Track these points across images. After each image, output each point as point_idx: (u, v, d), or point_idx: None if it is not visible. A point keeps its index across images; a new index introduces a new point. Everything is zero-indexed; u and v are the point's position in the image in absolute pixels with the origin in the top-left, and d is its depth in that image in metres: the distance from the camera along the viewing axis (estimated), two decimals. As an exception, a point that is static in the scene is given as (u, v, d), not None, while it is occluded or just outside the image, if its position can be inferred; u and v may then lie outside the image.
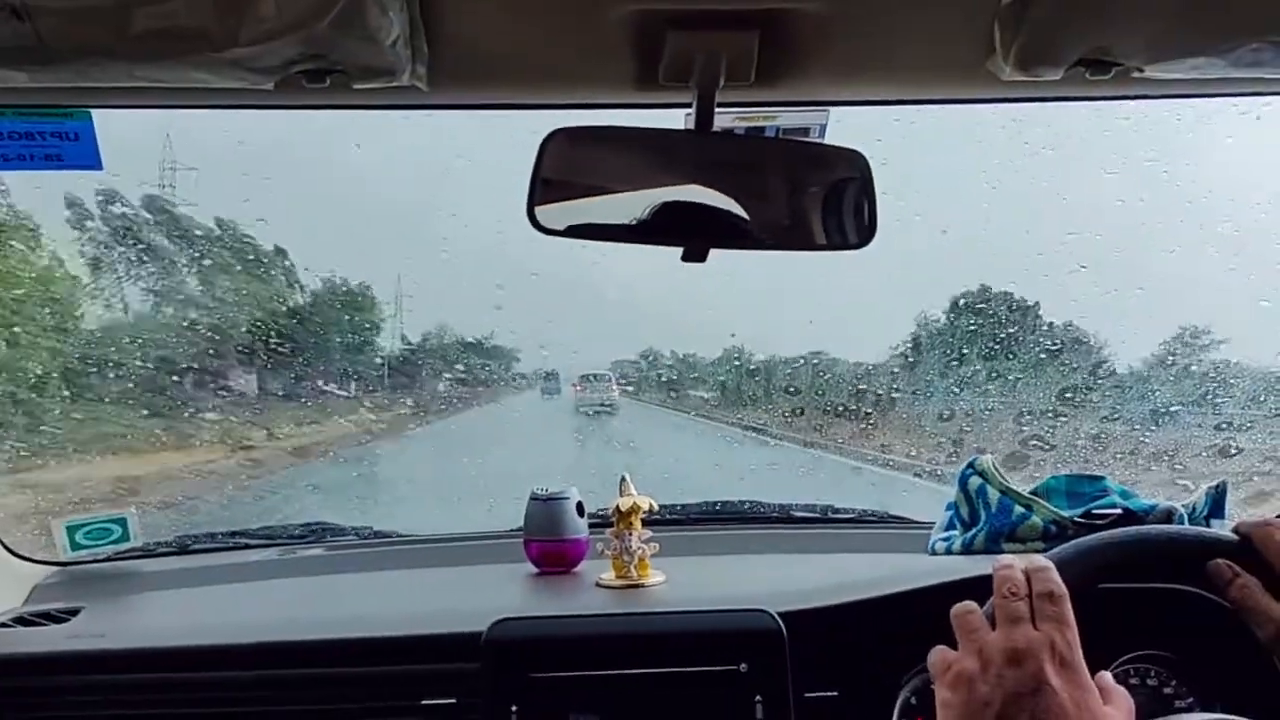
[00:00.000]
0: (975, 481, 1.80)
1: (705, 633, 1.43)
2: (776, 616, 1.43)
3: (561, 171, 1.22)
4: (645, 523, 1.71)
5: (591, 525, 1.81)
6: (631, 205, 1.25)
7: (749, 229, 1.29)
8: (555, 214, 1.23)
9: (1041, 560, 1.02)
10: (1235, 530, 1.07)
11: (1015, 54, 1.06)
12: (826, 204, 1.31)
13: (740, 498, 2.18)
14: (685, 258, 1.26)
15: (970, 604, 1.01)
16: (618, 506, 1.70)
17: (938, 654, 1.01)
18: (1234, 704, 1.35)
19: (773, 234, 1.32)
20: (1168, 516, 1.71)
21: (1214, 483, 1.76)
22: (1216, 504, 1.73)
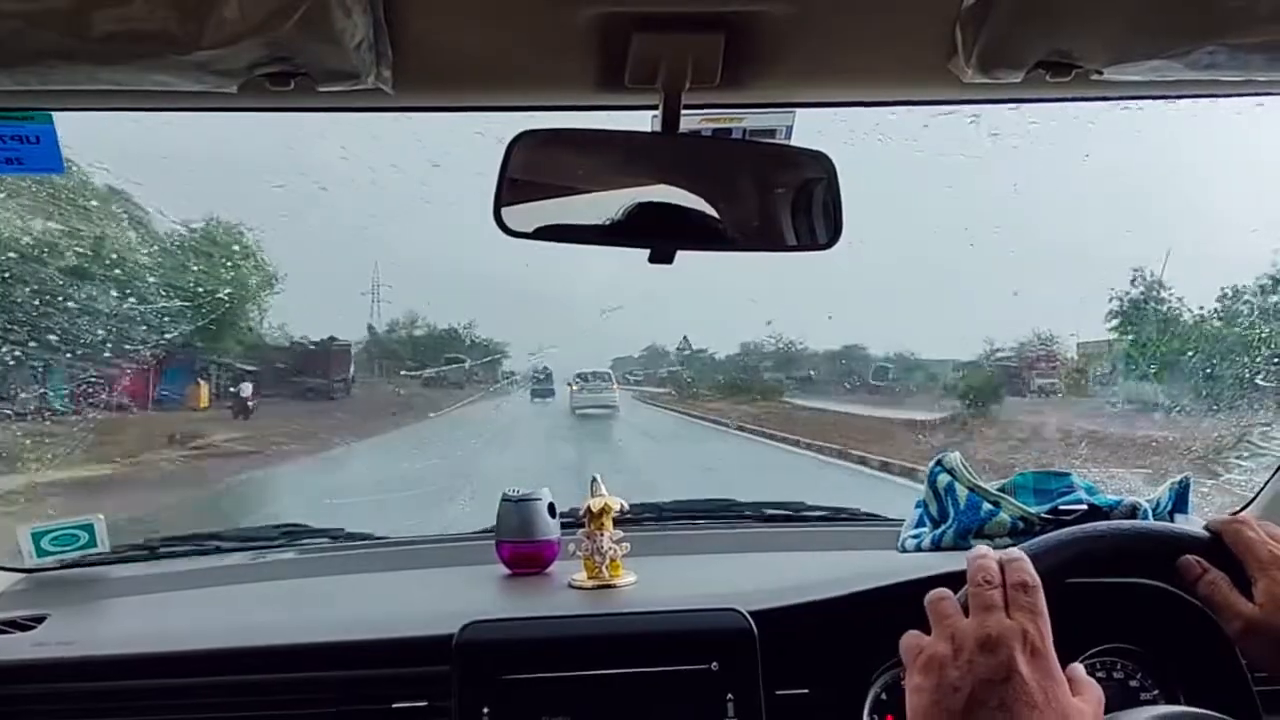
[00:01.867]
0: (944, 479, 1.82)
1: (676, 632, 1.43)
2: (747, 615, 1.43)
3: (528, 173, 1.23)
4: (617, 522, 1.71)
5: (563, 526, 1.81)
6: (599, 207, 1.25)
7: (716, 230, 1.30)
8: (522, 216, 1.23)
9: (1016, 551, 1.04)
10: (1206, 528, 1.09)
11: (976, 57, 1.07)
12: (794, 205, 1.32)
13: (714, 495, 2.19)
14: (653, 259, 1.27)
15: (945, 591, 1.03)
16: (589, 507, 1.70)
17: (910, 638, 1.02)
18: (1198, 697, 1.38)
19: (740, 234, 1.32)
20: (1132, 512, 1.73)
21: (1177, 478, 1.78)
22: (1180, 499, 1.76)
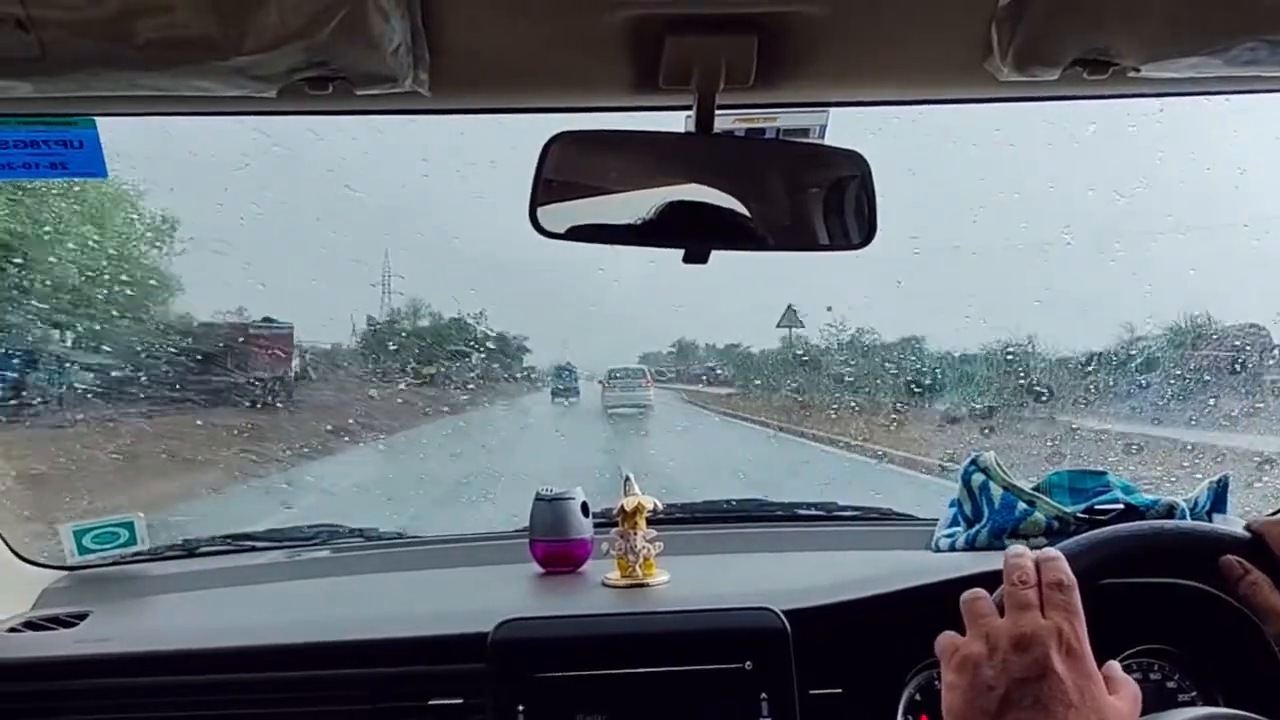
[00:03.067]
0: (978, 478, 1.81)
1: (710, 631, 1.44)
2: (781, 614, 1.44)
3: (563, 174, 1.24)
4: (650, 521, 1.72)
5: (596, 525, 1.82)
6: (633, 207, 1.26)
7: (751, 230, 1.30)
8: (557, 216, 1.24)
9: (1052, 550, 1.04)
10: (1247, 528, 1.09)
11: (1013, 55, 1.07)
12: (828, 204, 1.32)
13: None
14: (687, 259, 1.28)
15: (980, 590, 1.03)
16: (622, 506, 1.70)
17: (946, 638, 1.03)
18: (1237, 699, 1.37)
19: (775, 234, 1.33)
20: (1170, 511, 1.72)
21: (1215, 477, 1.77)
22: (1218, 498, 1.74)
